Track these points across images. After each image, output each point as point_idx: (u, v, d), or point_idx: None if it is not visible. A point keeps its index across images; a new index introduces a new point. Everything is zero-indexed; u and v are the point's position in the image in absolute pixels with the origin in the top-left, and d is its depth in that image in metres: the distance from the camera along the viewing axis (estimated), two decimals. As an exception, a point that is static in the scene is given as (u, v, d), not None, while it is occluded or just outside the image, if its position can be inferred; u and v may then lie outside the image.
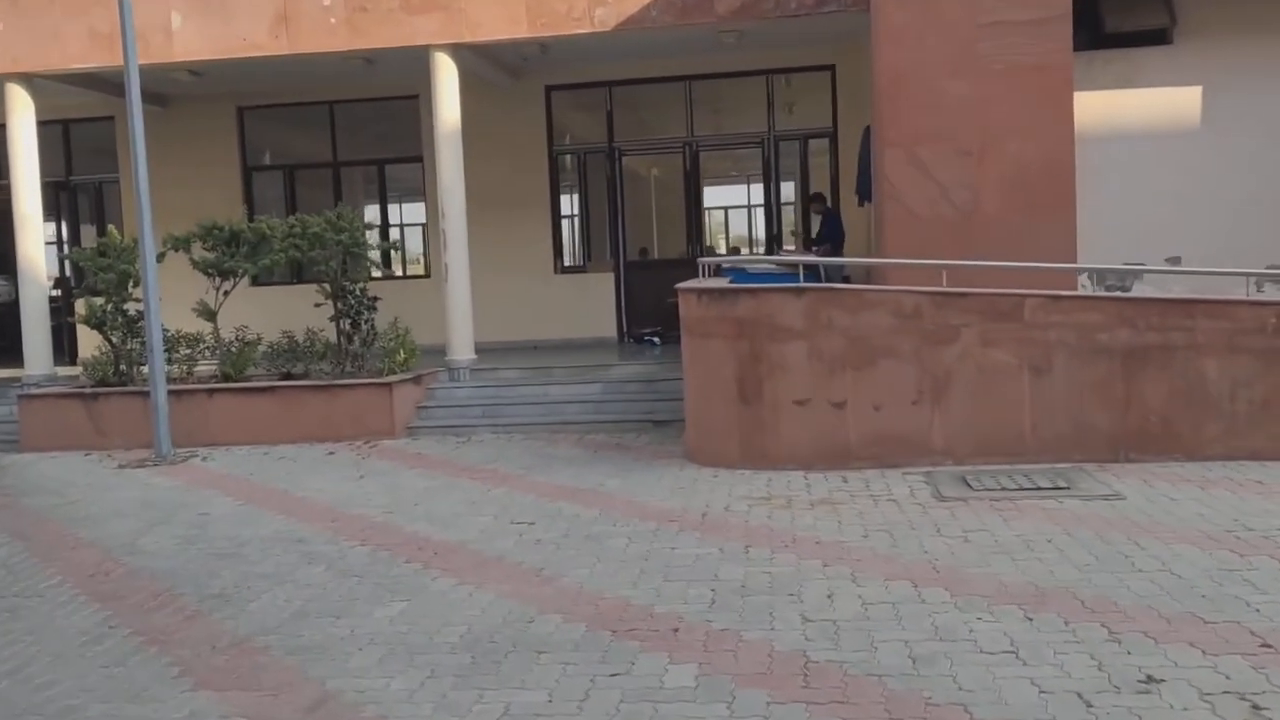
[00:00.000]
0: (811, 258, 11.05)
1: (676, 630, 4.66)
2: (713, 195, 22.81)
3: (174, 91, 14.16)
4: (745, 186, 16.65)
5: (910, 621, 4.62)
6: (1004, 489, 7.03)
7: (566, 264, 14.23)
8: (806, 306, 7.96)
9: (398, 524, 6.96)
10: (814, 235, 13.06)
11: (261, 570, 6.03)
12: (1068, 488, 6.98)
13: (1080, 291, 8.86)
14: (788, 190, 14.24)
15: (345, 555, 6.25)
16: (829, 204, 12.63)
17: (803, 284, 8.06)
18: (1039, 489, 6.98)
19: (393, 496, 7.85)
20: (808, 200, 12.86)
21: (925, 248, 9.02)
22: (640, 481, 7.89)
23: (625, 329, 14.02)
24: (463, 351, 11.46)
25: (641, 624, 4.77)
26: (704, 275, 10.91)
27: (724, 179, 20.65)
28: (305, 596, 5.50)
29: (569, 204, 14.54)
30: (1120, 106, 10.05)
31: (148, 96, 12.63)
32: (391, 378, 10.67)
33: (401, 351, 11.07)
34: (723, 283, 8.91)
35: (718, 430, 8.29)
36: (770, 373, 8.03)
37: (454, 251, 11.40)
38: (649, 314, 13.86)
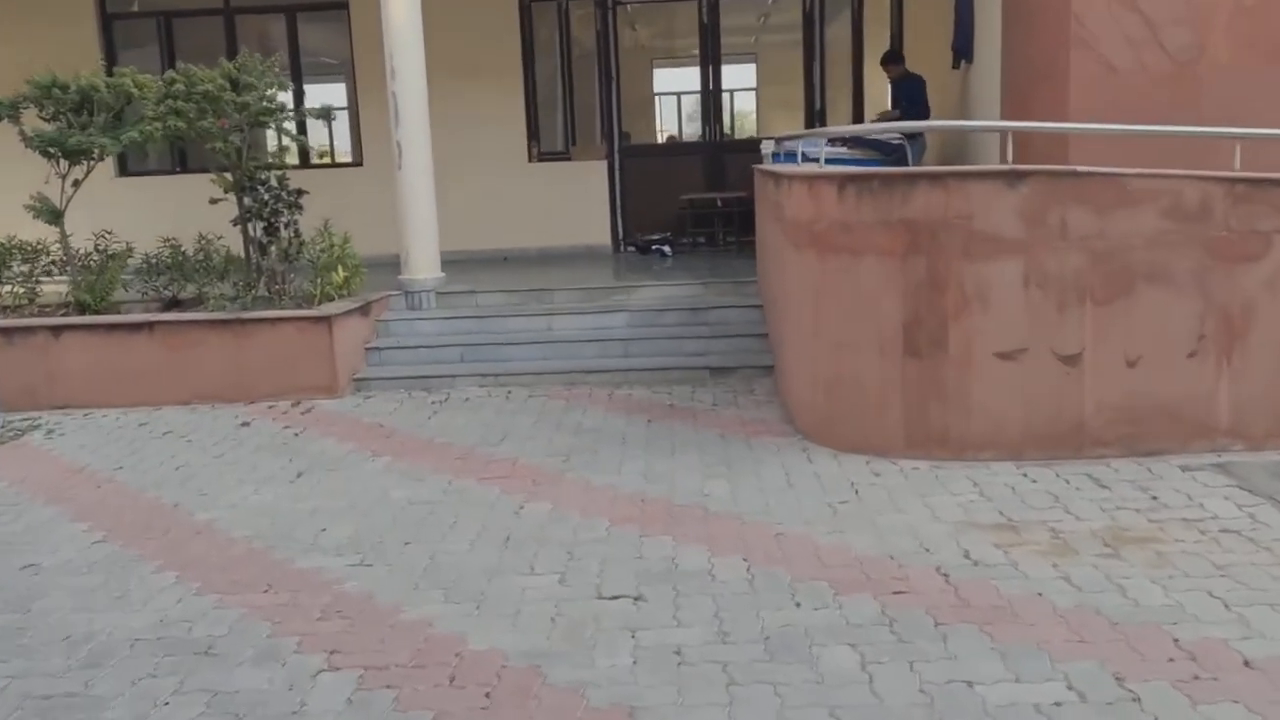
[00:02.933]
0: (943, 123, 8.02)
1: None
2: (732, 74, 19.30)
3: (-5, -96, 10.24)
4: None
5: None
6: (1404, 506, 4.25)
7: (544, 150, 10.91)
8: (1027, 202, 4.95)
9: (388, 597, 3.85)
10: (887, 107, 9.95)
11: (131, 757, 2.90)
12: None
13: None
14: (837, 52, 11.01)
15: (303, 704, 3.14)
16: (906, 67, 9.48)
17: (1017, 166, 5.03)
18: None
19: (361, 521, 4.72)
20: (881, 61, 9.68)
21: (1124, 112, 6.09)
22: (764, 488, 4.90)
23: (622, 235, 10.86)
24: (425, 268, 8.19)
25: None
26: (773, 160, 7.92)
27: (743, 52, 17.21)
28: None
29: (547, 71, 11.15)
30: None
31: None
32: (329, 306, 7.39)
33: (341, 268, 7.78)
34: (838, 169, 5.84)
35: (866, 397, 5.31)
36: (962, 308, 5.05)
37: (410, 126, 8.03)
38: (654, 216, 10.74)
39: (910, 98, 9.14)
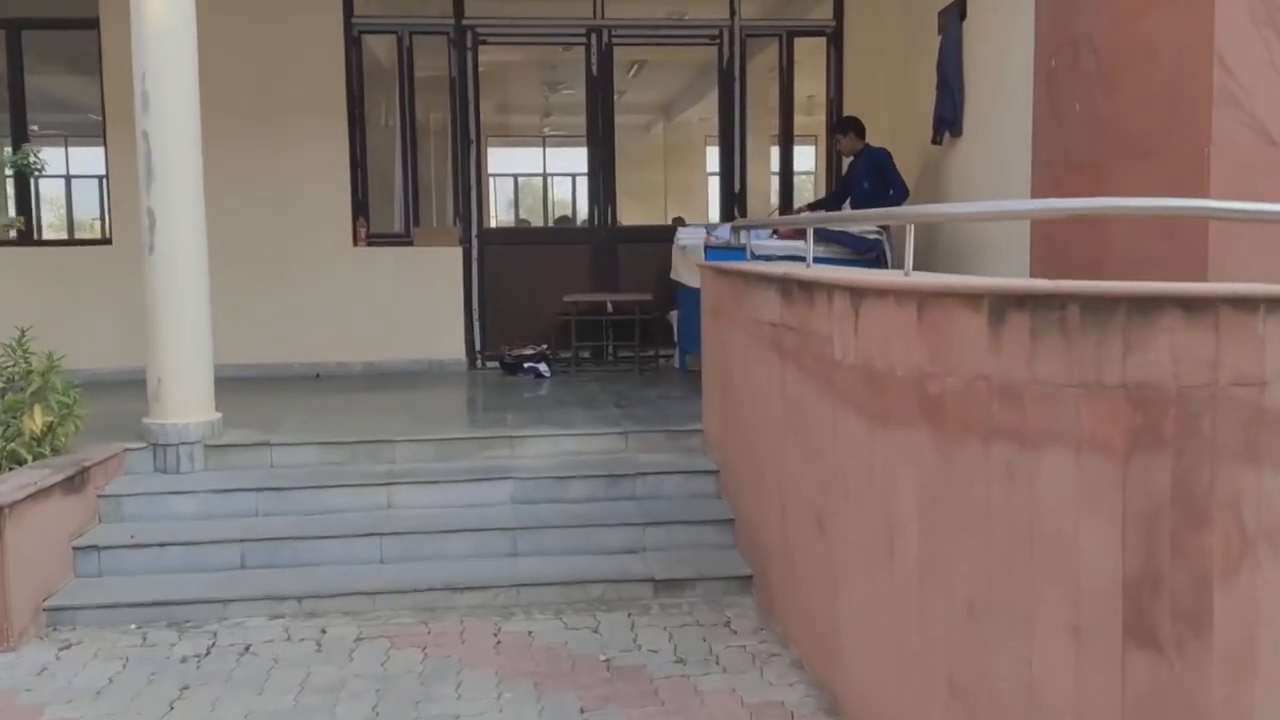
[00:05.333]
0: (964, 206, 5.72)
1: None
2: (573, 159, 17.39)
3: None
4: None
5: None
6: None
7: (376, 231, 8.07)
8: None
9: None
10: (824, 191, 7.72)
11: None
12: None
13: None
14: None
15: None
16: (865, 138, 7.18)
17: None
18: None
19: None
20: (833, 130, 7.35)
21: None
22: None
23: (481, 347, 8.12)
24: (189, 405, 5.23)
25: None
26: (709, 256, 5.61)
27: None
28: None
29: (382, 127, 8.41)
30: None
31: None
32: (3, 484, 4.30)
33: (39, 411, 4.74)
34: (967, 280, 3.34)
35: (1042, 707, 2.75)
36: (1240, 556, 2.59)
37: (171, 186, 5.14)
38: (524, 322, 8.08)
39: (880, 174, 6.87)
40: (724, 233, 6.33)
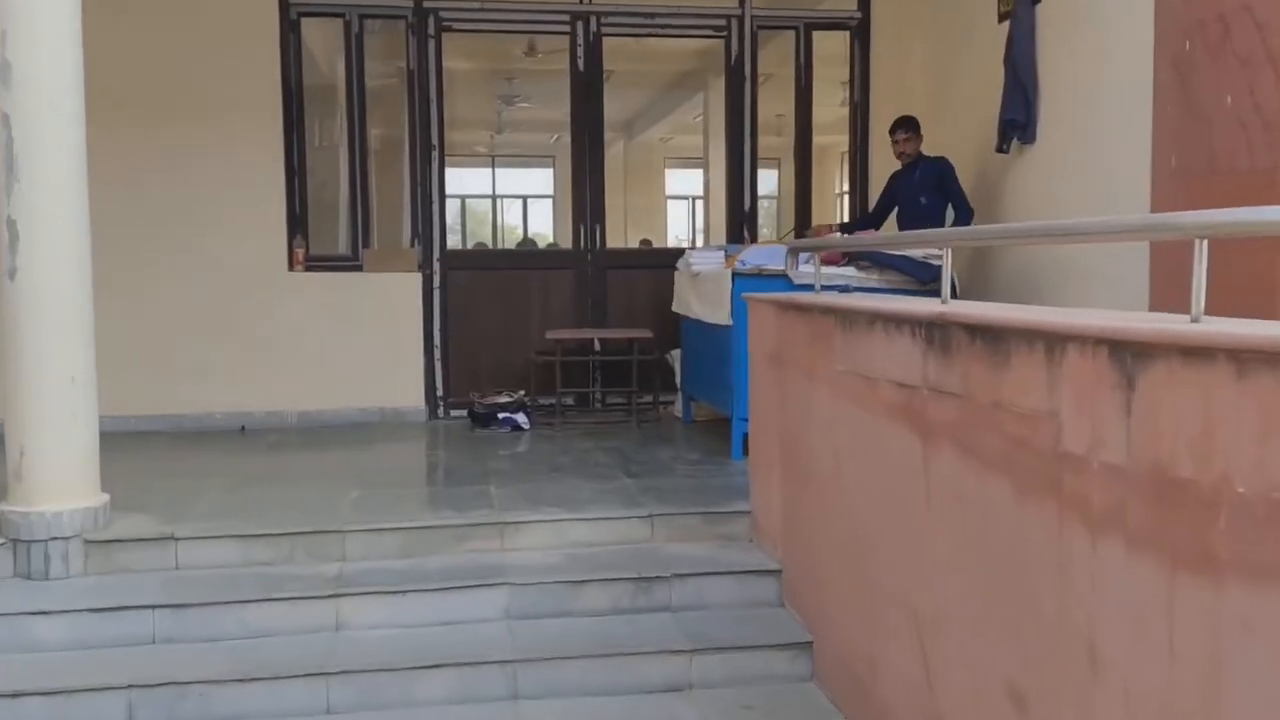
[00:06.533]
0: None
1: None
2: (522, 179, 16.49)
3: None
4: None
5: None
6: None
7: (317, 254, 6.69)
8: None
9: None
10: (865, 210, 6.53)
11: None
12: None
13: None
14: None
15: None
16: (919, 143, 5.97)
17: None
18: None
19: None
20: (892, 129, 5.99)
21: None
22: None
23: (444, 394, 6.77)
24: (63, 487, 3.84)
25: None
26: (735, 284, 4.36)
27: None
28: None
29: (325, 131, 7.07)
30: None
31: None
32: None
33: None
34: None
35: None
36: None
37: (40, 188, 3.77)
38: (496, 364, 6.76)
39: (941, 188, 5.73)
40: (754, 256, 5.12)
